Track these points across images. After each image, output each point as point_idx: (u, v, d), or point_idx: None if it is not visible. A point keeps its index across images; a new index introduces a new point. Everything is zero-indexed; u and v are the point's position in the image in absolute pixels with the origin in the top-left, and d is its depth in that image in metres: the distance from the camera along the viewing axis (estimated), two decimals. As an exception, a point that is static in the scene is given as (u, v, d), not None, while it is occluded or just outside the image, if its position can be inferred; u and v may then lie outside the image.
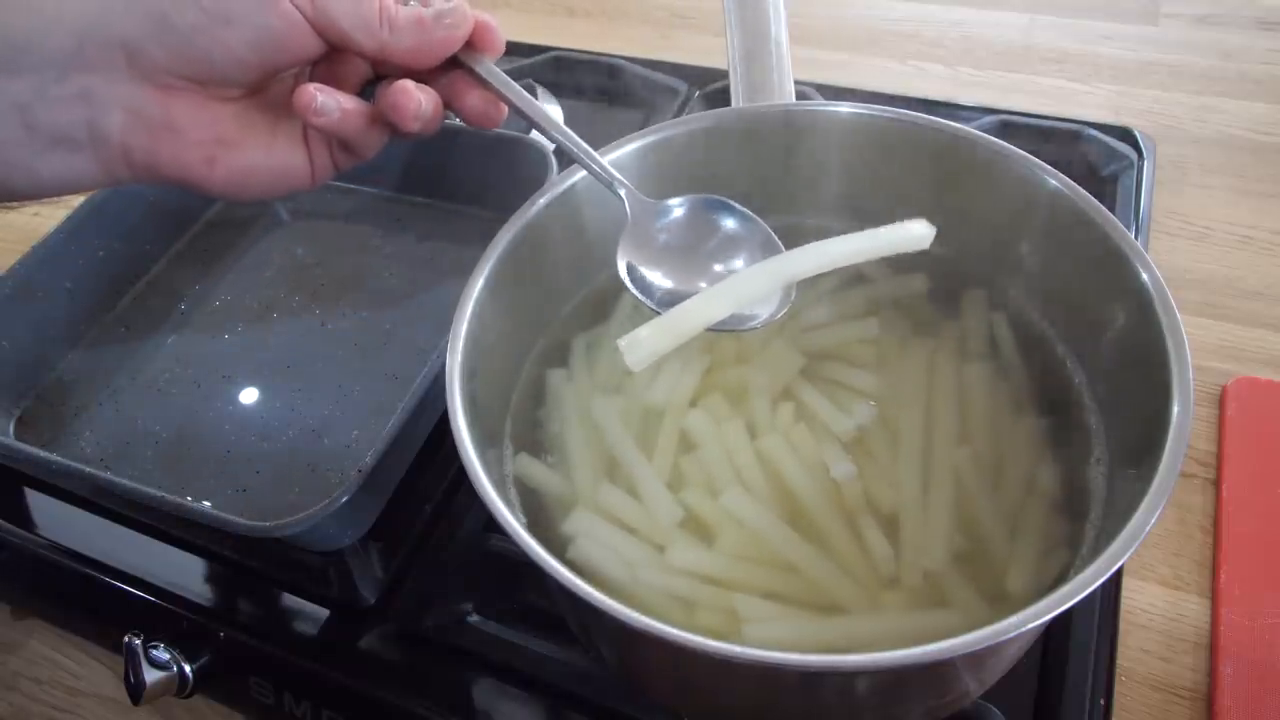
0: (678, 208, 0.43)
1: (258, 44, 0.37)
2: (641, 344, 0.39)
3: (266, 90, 0.41)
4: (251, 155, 0.40)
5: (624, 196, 0.42)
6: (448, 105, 0.41)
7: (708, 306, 0.40)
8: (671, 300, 0.41)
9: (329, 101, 0.38)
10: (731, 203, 0.43)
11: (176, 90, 0.38)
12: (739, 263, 0.43)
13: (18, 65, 0.35)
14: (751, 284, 0.41)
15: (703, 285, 0.42)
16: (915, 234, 0.40)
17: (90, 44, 0.36)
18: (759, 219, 0.43)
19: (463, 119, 0.42)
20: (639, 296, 0.41)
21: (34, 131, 0.36)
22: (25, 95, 0.35)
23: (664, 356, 0.46)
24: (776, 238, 0.43)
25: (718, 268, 0.43)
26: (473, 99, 0.41)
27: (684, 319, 0.40)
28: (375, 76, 0.42)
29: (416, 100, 0.39)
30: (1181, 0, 0.85)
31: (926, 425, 0.44)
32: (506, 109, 0.42)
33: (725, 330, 0.40)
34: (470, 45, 0.41)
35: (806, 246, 0.41)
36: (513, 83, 0.41)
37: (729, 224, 0.43)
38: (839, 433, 0.44)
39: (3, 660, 0.58)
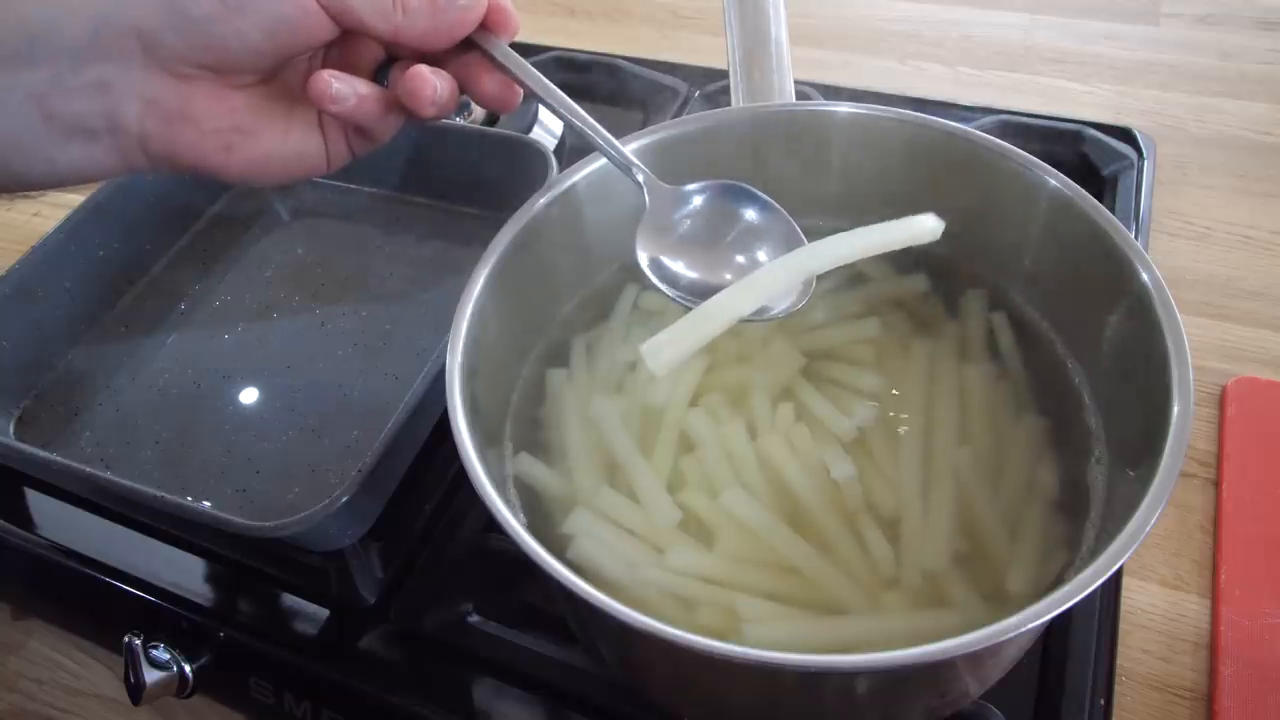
0: (697, 195, 0.43)
1: (272, 31, 0.37)
2: (664, 348, 0.38)
3: (280, 76, 0.41)
4: (268, 142, 0.40)
5: (643, 182, 0.42)
6: (463, 89, 0.41)
7: (730, 306, 0.39)
8: (695, 292, 0.41)
9: (344, 89, 0.38)
10: (753, 189, 0.43)
11: (192, 79, 0.38)
12: (761, 255, 0.42)
13: (35, 55, 0.35)
14: (774, 280, 0.40)
15: (727, 277, 0.41)
16: (926, 227, 0.40)
17: (105, 33, 0.36)
18: (780, 207, 0.43)
19: (478, 102, 0.42)
20: (661, 287, 0.41)
21: (52, 122, 0.36)
22: (43, 85, 0.36)
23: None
24: (798, 228, 0.42)
25: (740, 259, 0.42)
26: (488, 82, 0.41)
27: (705, 321, 0.39)
28: (388, 59, 0.42)
29: (433, 85, 0.39)
30: (1181, 0, 0.85)
31: (927, 425, 0.44)
32: (521, 92, 0.41)
33: (744, 321, 0.40)
34: (484, 27, 0.40)
35: (825, 240, 0.41)
36: (528, 65, 0.40)
37: (750, 214, 0.43)
38: (839, 433, 0.44)
39: (3, 660, 0.58)
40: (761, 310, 0.40)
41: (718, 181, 0.43)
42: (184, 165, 0.39)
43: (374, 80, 0.40)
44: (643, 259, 0.41)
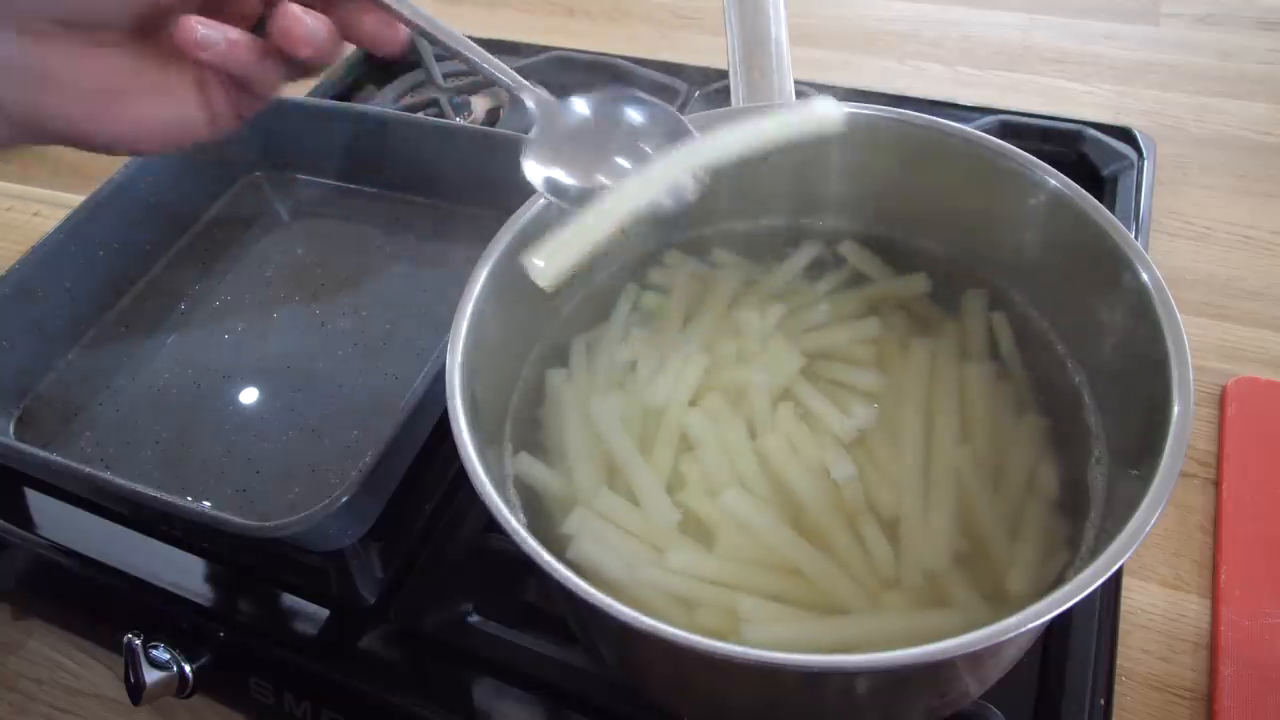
0: (583, 104, 0.42)
1: None
2: (549, 259, 0.37)
3: (154, 35, 0.38)
4: (142, 106, 0.37)
5: (528, 100, 0.41)
6: (345, 36, 0.39)
7: (612, 208, 0.38)
8: (587, 199, 0.40)
9: (212, 34, 0.36)
10: (641, 95, 0.42)
11: (51, 37, 0.35)
12: (649, 153, 0.41)
13: None
14: (656, 178, 0.39)
15: (609, 180, 0.41)
16: (823, 113, 0.39)
17: None
18: (669, 107, 0.42)
19: (363, 47, 0.41)
20: (552, 199, 0.40)
21: None
22: None
23: (664, 356, 0.46)
24: (686, 121, 0.42)
25: (626, 162, 0.42)
26: (368, 23, 0.39)
27: (590, 225, 0.38)
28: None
29: (304, 24, 0.37)
30: (1181, 0, 0.85)
31: (927, 425, 0.44)
32: (404, 30, 0.40)
33: (637, 220, 0.39)
34: None
35: (711, 134, 0.40)
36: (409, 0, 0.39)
37: (636, 115, 0.42)
38: (839, 433, 0.44)
39: (3, 660, 0.58)
40: (655, 205, 0.39)
41: (605, 91, 0.42)
42: (51, 133, 0.37)
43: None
44: (535, 177, 0.40)
